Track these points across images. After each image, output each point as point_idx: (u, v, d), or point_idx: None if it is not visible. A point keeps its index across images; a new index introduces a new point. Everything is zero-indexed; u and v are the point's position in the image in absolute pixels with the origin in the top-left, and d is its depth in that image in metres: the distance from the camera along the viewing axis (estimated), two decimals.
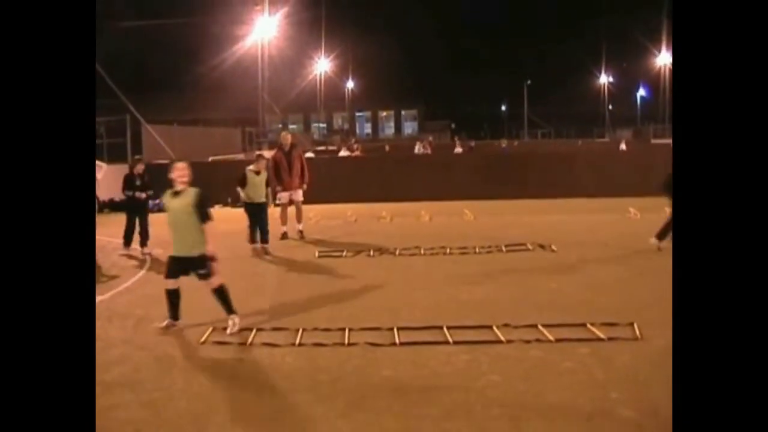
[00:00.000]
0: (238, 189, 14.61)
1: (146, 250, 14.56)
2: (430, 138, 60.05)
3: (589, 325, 8.17)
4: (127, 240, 14.78)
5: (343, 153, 33.46)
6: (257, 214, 14.44)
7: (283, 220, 15.74)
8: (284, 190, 15.54)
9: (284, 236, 15.60)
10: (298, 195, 15.79)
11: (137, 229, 14.75)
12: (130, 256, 14.27)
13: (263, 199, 14.58)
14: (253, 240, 14.50)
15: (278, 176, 15.48)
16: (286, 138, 15.86)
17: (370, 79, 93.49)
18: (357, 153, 34.23)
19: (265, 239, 14.43)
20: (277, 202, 15.55)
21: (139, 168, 14.95)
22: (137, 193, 14.58)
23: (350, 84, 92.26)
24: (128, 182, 14.79)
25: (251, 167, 14.67)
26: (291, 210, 15.98)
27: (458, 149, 35.92)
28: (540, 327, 8.15)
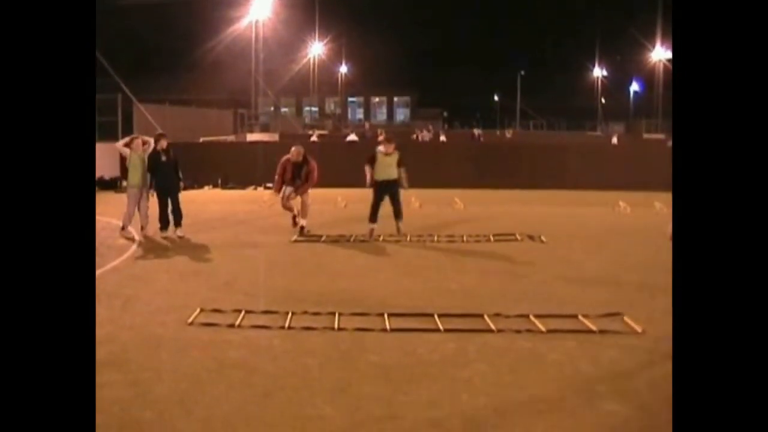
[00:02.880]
0: (367, 168, 14.46)
1: (179, 232, 14.10)
2: (430, 126, 60.29)
3: (581, 317, 8.20)
4: (164, 223, 14.24)
5: (352, 138, 33.23)
6: (388, 192, 14.36)
7: (290, 207, 14.92)
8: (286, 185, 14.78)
9: (296, 224, 14.76)
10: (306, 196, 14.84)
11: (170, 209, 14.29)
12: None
13: (394, 176, 14.40)
14: (372, 219, 14.35)
15: (282, 178, 14.70)
16: (298, 154, 14.68)
17: (364, 65, 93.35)
18: (382, 138, 34.08)
19: (398, 216, 14.42)
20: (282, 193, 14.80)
21: (163, 143, 14.31)
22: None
23: (343, 69, 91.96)
24: (153, 160, 14.24)
25: (381, 148, 14.50)
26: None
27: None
28: (532, 317, 8.17)
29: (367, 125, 59.49)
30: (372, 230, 14.20)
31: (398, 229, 14.31)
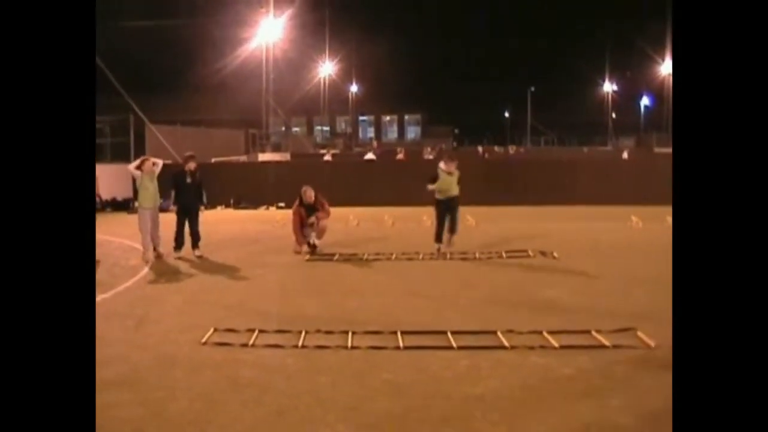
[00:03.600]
0: (429, 186, 14.39)
1: (197, 252, 14.24)
2: (443, 146, 60.98)
3: (594, 332, 8.17)
4: (178, 243, 14.34)
5: (370, 156, 33.33)
6: (449, 208, 14.38)
7: (305, 235, 14.73)
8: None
9: (310, 246, 14.62)
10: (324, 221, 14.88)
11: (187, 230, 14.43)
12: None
13: (455, 193, 14.41)
14: (438, 239, 14.38)
15: (300, 226, 14.59)
16: (309, 195, 14.60)
17: (374, 83, 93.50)
18: (401, 156, 34.01)
19: (453, 229, 14.42)
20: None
21: (191, 165, 14.50)
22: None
23: (354, 88, 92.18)
24: (177, 180, 14.40)
25: (443, 166, 14.44)
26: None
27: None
28: (545, 333, 8.15)
29: (375, 144, 59.70)
30: (439, 249, 14.31)
31: (449, 242, 14.40)
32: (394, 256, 13.88)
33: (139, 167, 14.29)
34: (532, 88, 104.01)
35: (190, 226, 14.39)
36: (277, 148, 52.04)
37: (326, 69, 78.73)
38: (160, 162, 14.63)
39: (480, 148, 52.18)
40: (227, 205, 24.60)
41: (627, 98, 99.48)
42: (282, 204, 23.46)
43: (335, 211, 15.86)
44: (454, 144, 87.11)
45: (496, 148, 62.29)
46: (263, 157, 41.38)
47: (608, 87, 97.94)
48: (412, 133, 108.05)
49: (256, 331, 8.36)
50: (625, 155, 42.56)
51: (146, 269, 12.95)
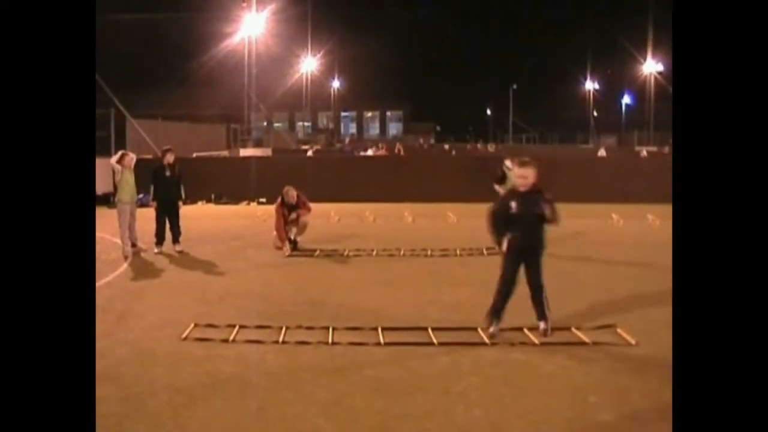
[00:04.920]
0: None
1: (178, 247, 14.15)
2: (421, 140, 61.65)
3: (574, 329, 8.22)
4: (159, 238, 14.19)
5: (370, 153, 33.36)
6: None
7: (286, 232, 14.47)
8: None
9: (291, 241, 14.30)
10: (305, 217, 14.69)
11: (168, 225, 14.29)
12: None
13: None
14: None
15: (282, 224, 14.28)
16: (291, 195, 14.37)
17: (356, 80, 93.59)
18: (383, 151, 34.01)
19: None
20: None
21: (169, 158, 14.31)
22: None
23: (336, 83, 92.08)
24: (157, 174, 14.26)
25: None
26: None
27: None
28: (525, 330, 8.18)
29: (347, 140, 59.80)
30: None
31: None
32: (375, 253, 13.88)
33: (119, 161, 14.17)
34: (515, 86, 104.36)
35: (171, 221, 14.27)
36: (258, 144, 51.96)
37: (309, 64, 78.55)
38: (134, 156, 14.55)
39: (446, 146, 53.46)
40: (208, 200, 24.49)
41: (608, 96, 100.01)
42: (263, 199, 23.39)
43: (316, 208, 15.83)
44: (431, 141, 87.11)
45: (478, 146, 62.70)
46: (245, 152, 41.24)
47: (590, 85, 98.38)
48: (394, 129, 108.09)
49: (237, 327, 8.34)
50: (602, 153, 42.37)
51: (125, 264, 12.88)
